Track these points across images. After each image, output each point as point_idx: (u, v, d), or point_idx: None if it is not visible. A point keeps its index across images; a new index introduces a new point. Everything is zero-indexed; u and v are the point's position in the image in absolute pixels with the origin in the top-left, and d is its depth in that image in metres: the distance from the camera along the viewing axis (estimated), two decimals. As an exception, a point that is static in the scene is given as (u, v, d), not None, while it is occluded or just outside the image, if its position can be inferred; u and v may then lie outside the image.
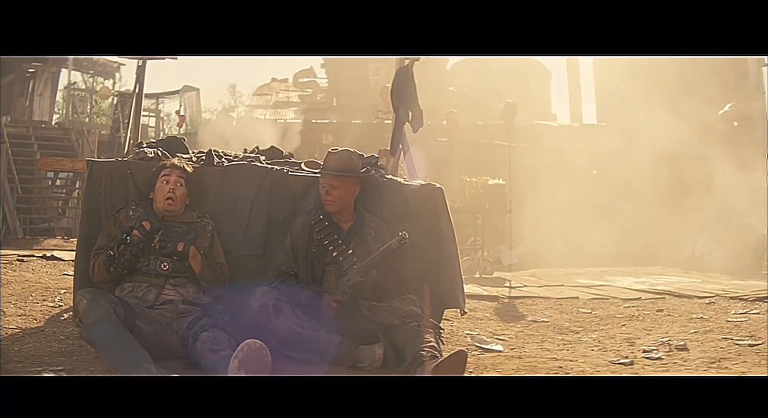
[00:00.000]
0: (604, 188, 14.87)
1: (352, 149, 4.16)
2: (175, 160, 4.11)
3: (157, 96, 22.85)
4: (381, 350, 3.57)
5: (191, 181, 4.04)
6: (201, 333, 3.45)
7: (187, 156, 4.45)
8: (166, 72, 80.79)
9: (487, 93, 18.71)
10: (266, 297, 3.67)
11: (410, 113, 6.13)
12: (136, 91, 8.05)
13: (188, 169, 4.06)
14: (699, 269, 10.80)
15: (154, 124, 24.69)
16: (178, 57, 8.18)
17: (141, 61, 7.93)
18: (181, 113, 21.12)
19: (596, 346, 4.51)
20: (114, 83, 22.24)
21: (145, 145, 4.55)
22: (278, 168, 4.45)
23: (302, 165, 4.59)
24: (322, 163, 4.22)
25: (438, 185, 4.52)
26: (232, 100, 41.80)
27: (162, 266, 3.75)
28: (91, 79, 21.99)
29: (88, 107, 22.12)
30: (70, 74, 20.31)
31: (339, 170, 4.00)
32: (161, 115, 25.08)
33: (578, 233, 14.17)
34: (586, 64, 25.90)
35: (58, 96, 21.90)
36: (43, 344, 3.83)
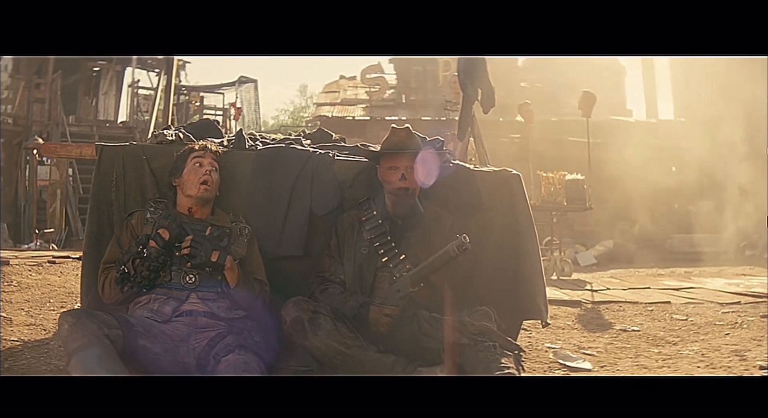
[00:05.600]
0: (684, 185, 14.15)
1: None
2: (207, 143, 3.44)
3: (218, 88, 22.77)
4: (444, 374, 2.86)
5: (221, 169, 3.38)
6: (225, 355, 2.80)
7: (218, 140, 3.77)
8: (229, 65, 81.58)
9: (559, 88, 18.05)
10: (300, 309, 2.97)
11: (479, 92, 5.44)
12: (164, 83, 7.67)
13: (221, 154, 3.42)
14: (788, 268, 10.22)
15: (220, 122, 24.61)
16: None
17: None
18: (238, 106, 20.90)
19: (701, 361, 3.88)
20: (180, 81, 22.16)
21: (173, 128, 3.90)
22: (322, 152, 3.75)
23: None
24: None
25: (515, 171, 3.83)
26: (303, 100, 42.18)
27: (187, 278, 3.06)
28: (156, 78, 21.90)
29: (153, 105, 22.10)
30: (134, 72, 20.24)
31: (415, 148, 3.29)
32: (228, 114, 24.98)
33: (658, 231, 13.61)
34: (662, 58, 25.03)
35: (124, 94, 21.96)
36: (41, 361, 3.35)
